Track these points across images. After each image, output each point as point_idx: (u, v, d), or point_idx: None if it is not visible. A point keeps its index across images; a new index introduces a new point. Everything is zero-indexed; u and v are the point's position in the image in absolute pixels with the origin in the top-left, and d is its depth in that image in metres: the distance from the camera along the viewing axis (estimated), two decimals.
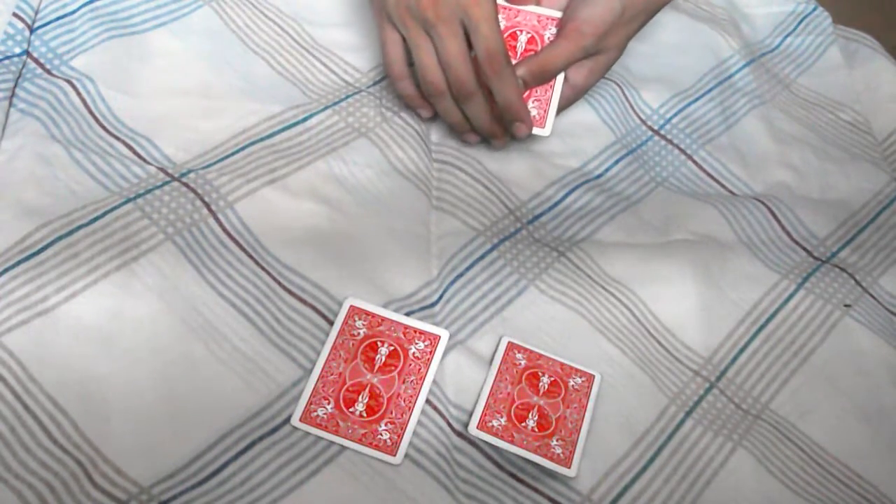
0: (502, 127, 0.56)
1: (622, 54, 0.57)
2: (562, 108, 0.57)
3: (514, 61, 0.55)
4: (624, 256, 0.55)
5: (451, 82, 0.52)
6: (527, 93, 0.55)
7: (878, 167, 0.66)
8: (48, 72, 0.53)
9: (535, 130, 0.55)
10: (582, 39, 0.53)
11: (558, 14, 0.57)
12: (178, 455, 0.42)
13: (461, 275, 0.52)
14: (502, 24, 0.56)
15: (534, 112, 0.55)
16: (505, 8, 0.57)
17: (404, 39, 0.53)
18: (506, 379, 0.48)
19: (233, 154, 0.53)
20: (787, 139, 0.66)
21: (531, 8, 0.57)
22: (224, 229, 0.49)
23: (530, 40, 0.57)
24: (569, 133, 0.61)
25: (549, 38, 0.57)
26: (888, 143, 0.69)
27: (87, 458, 0.41)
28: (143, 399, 0.43)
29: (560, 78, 0.56)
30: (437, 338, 0.48)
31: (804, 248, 0.59)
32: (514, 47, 0.56)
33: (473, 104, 0.53)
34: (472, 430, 0.45)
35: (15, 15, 0.53)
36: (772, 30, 0.74)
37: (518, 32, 0.57)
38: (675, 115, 0.65)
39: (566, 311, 0.52)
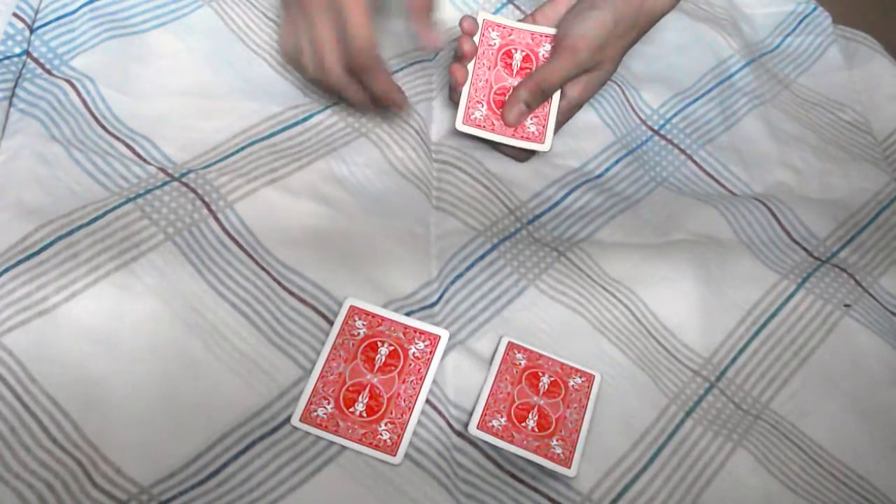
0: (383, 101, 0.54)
1: (615, 68, 0.57)
2: (560, 123, 0.57)
3: (511, 79, 0.56)
4: (624, 256, 0.55)
5: (320, 69, 0.51)
6: None
7: (878, 167, 0.66)
8: (48, 72, 0.53)
9: (535, 146, 0.55)
10: (577, 56, 0.54)
11: (552, 31, 0.57)
12: (178, 455, 0.42)
13: (461, 275, 0.52)
14: (497, 43, 0.57)
15: (532, 128, 0.56)
16: (499, 26, 0.57)
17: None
18: (506, 379, 0.48)
19: (233, 154, 0.53)
20: (787, 139, 0.66)
21: (525, 25, 0.58)
22: (224, 229, 0.49)
23: (525, 58, 0.57)
24: (569, 133, 0.61)
25: (543, 55, 0.57)
26: (888, 143, 0.69)
27: (87, 458, 0.41)
28: (143, 399, 0.43)
29: (557, 94, 0.56)
30: (437, 338, 0.48)
31: (804, 248, 0.59)
32: (510, 65, 0.57)
33: (348, 92, 0.53)
34: (472, 430, 0.45)
35: (15, 15, 0.53)
36: (772, 30, 0.74)
37: (513, 51, 0.57)
38: (675, 115, 0.65)
39: (566, 311, 0.52)
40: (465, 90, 0.56)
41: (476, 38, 0.57)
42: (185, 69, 0.56)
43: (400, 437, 0.45)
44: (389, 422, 0.45)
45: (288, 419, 0.45)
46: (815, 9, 0.75)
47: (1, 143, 0.49)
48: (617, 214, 0.58)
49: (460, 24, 0.56)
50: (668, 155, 0.63)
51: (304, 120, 0.56)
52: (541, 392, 0.48)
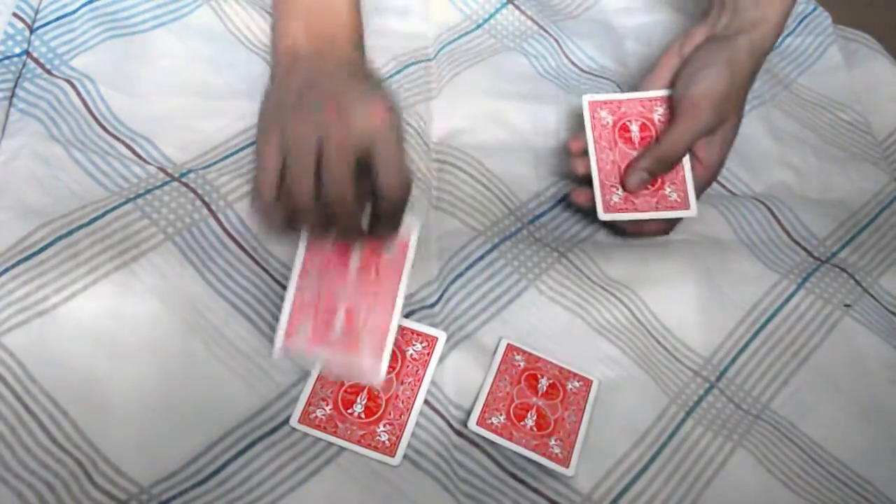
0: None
1: (740, 120, 0.54)
2: (701, 189, 0.54)
3: (632, 152, 0.53)
4: (624, 257, 0.55)
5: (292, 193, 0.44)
6: (659, 180, 0.53)
7: (878, 167, 0.66)
8: (48, 72, 0.53)
9: (682, 213, 0.52)
10: (700, 116, 0.51)
11: (662, 92, 0.54)
12: (178, 455, 0.42)
13: (461, 275, 0.52)
14: (609, 121, 0.54)
15: (673, 196, 0.53)
16: (607, 103, 0.55)
17: None
18: (505, 379, 0.48)
19: (232, 154, 0.53)
20: (787, 139, 0.66)
21: (631, 95, 0.55)
22: (224, 229, 0.49)
23: (642, 127, 0.54)
24: (569, 133, 0.61)
25: (658, 118, 0.54)
26: (888, 143, 0.69)
27: (87, 458, 0.41)
28: (142, 399, 0.43)
29: (686, 156, 0.53)
30: (434, 340, 0.48)
31: (804, 248, 0.59)
32: (630, 139, 0.54)
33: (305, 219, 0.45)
34: (472, 425, 0.45)
35: (15, 15, 0.53)
36: None
37: (628, 123, 0.54)
38: None
39: (566, 312, 0.52)
40: (595, 180, 0.53)
41: (587, 123, 0.54)
42: (185, 69, 0.56)
43: (399, 438, 0.45)
44: (388, 423, 0.45)
45: (287, 420, 0.45)
46: (815, 9, 0.75)
47: (1, 143, 0.49)
48: None
49: (567, 146, 0.55)
50: None
51: None
52: (539, 393, 0.48)
